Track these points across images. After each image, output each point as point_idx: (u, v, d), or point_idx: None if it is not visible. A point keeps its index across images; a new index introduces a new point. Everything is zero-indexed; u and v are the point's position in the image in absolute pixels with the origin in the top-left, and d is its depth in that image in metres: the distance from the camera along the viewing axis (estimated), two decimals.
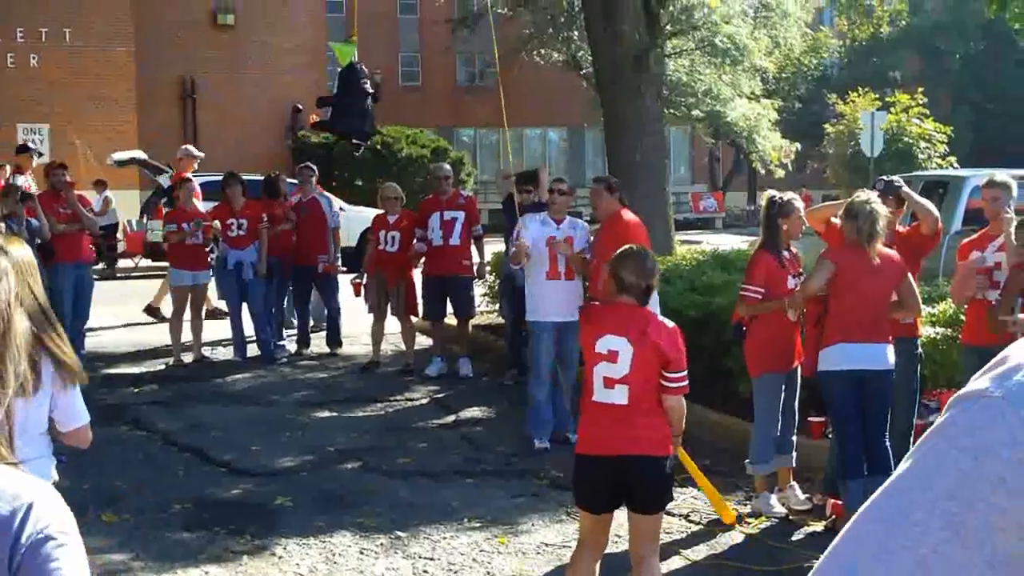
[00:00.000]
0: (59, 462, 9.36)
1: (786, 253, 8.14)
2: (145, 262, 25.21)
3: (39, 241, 12.38)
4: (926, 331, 8.90)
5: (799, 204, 8.31)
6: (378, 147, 33.07)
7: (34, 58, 30.82)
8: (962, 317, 8.80)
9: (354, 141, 16.81)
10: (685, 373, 5.88)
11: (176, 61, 34.91)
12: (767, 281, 7.96)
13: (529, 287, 10.31)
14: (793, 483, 8.31)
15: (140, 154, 27.51)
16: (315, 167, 15.07)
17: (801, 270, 8.14)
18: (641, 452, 5.66)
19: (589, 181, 12.21)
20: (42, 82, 30.90)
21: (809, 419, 8.83)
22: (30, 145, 17.21)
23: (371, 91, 15.83)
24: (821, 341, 7.53)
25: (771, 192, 8.52)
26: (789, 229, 8.15)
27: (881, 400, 7.43)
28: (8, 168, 23.75)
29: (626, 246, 6.24)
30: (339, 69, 16.55)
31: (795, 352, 8.12)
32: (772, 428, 8.14)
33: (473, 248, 13.26)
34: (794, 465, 8.33)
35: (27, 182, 19.45)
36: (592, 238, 10.21)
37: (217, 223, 13.89)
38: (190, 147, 17.74)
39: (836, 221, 7.93)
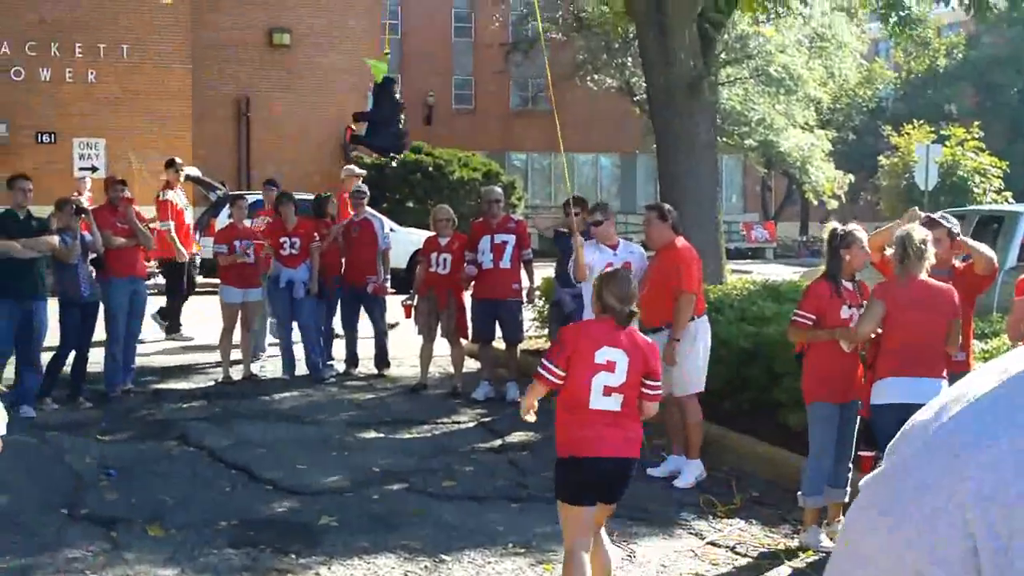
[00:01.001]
0: (108, 476, 9.48)
1: (848, 284, 8.05)
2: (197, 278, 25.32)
3: (93, 255, 12.50)
4: (978, 367, 8.80)
5: (861, 235, 8.20)
6: (430, 169, 33.20)
7: (91, 74, 31.15)
8: None
9: (389, 154, 16.96)
10: (661, 382, 6.48)
11: (231, 79, 35.21)
12: (818, 309, 7.89)
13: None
14: (843, 517, 8.21)
15: (194, 171, 27.77)
16: (367, 188, 15.11)
17: (863, 302, 8.04)
18: (632, 455, 6.31)
19: (641, 208, 12.22)
20: (99, 98, 31.24)
21: (860, 453, 8.74)
22: (175, 161, 17.15)
23: (401, 102, 15.95)
24: (875, 374, 7.48)
25: (834, 223, 8.47)
26: (852, 260, 8.04)
27: None
28: (88, 182, 24.06)
29: (612, 269, 7.18)
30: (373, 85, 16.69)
31: (854, 384, 7.98)
32: (824, 459, 8.03)
33: (523, 272, 13.27)
34: (846, 500, 8.23)
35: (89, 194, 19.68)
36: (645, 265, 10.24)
37: (267, 242, 14.00)
38: (353, 166, 17.88)
39: (889, 251, 7.89)
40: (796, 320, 8.01)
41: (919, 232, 7.50)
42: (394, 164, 17.10)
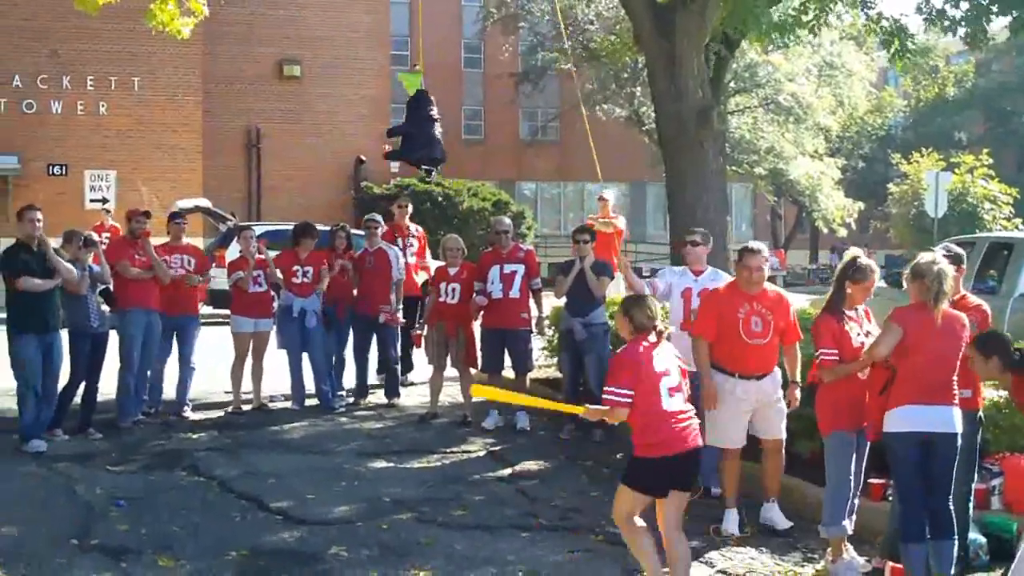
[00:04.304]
0: (118, 506, 9.49)
1: (850, 312, 8.03)
2: (207, 309, 25.37)
3: (102, 286, 12.52)
4: (989, 394, 8.78)
5: (875, 275, 8.15)
6: (440, 199, 33.27)
7: (103, 106, 31.36)
8: None
9: (424, 167, 16.96)
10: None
11: (242, 111, 35.38)
12: (837, 342, 7.85)
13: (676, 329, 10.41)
14: (848, 545, 8.17)
15: (204, 202, 27.93)
16: (381, 219, 15.09)
17: (868, 330, 8.02)
18: (701, 443, 7.32)
19: (650, 236, 12.24)
20: (110, 130, 31.45)
21: (869, 480, 8.71)
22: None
23: (436, 117, 15.98)
24: (888, 402, 7.44)
25: (856, 251, 8.34)
26: (853, 294, 8.02)
27: (947, 463, 7.32)
28: (109, 215, 24.15)
29: (631, 294, 8.18)
30: (407, 99, 16.72)
31: (864, 411, 7.95)
32: (845, 488, 7.98)
33: (532, 301, 13.28)
34: (850, 531, 8.18)
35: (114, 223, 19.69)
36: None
37: (271, 258, 14.06)
38: (606, 191, 18.02)
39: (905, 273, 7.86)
40: (825, 360, 7.88)
41: (950, 269, 7.49)
42: (430, 178, 17.10)
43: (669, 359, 7.22)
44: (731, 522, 8.99)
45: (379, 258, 14.50)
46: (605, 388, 7.12)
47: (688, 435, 7.10)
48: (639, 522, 7.17)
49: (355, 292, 14.49)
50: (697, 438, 7.18)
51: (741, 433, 9.14)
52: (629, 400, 6.99)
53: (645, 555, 7.17)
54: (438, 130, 16.07)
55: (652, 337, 7.22)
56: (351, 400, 14.49)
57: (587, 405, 7.86)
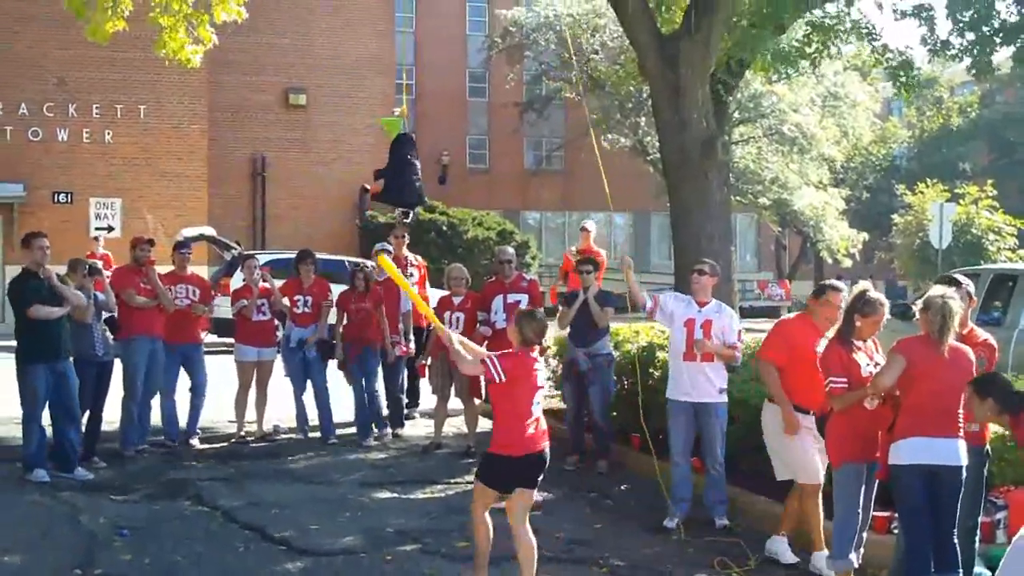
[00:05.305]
0: (121, 535, 9.47)
1: (859, 342, 8.01)
2: (211, 338, 25.37)
3: (106, 314, 12.53)
4: (994, 427, 8.76)
5: (884, 309, 8.10)
6: (444, 228, 33.30)
7: (108, 134, 31.43)
8: None
9: (400, 211, 16.95)
10: None
11: (247, 139, 35.48)
12: (845, 370, 7.82)
13: (670, 362, 10.41)
14: None
15: (209, 230, 27.99)
16: (392, 248, 14.96)
17: (877, 361, 7.99)
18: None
19: (654, 267, 12.23)
20: (116, 158, 31.52)
21: (874, 513, 8.68)
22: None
23: (415, 161, 15.93)
24: (893, 435, 7.42)
25: (865, 285, 8.30)
26: (862, 328, 8.00)
27: (953, 496, 7.30)
28: (101, 241, 24.28)
29: (530, 308, 8.89)
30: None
31: (875, 443, 7.89)
32: (853, 520, 7.95)
33: None
34: (856, 565, 8.15)
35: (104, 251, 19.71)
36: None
37: (276, 287, 14.02)
38: (588, 222, 18.08)
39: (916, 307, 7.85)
40: (833, 388, 7.85)
41: (958, 305, 7.48)
42: (406, 221, 17.03)
43: (543, 375, 8.23)
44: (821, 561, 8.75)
45: (389, 288, 14.39)
46: (488, 358, 7.93)
47: (539, 440, 8.02)
48: (487, 518, 8.18)
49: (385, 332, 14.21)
50: (545, 442, 8.10)
51: (821, 466, 8.90)
52: (498, 377, 7.77)
53: (477, 545, 8.23)
54: (417, 173, 16.02)
55: (535, 353, 8.07)
56: (390, 433, 14.40)
57: (449, 332, 8.46)
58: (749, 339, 14.85)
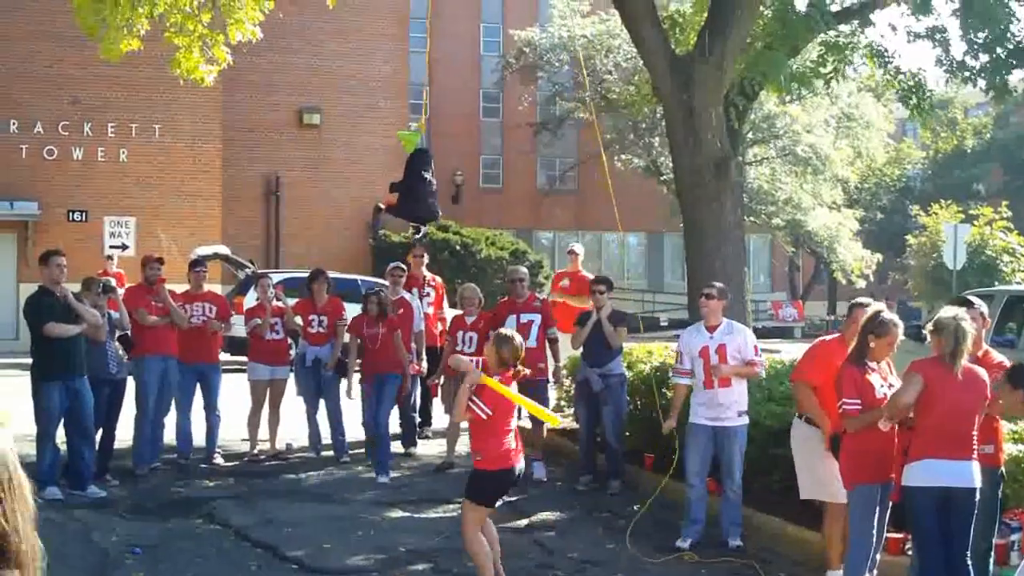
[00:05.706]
0: (134, 553, 9.47)
1: (872, 363, 7.98)
2: (225, 356, 25.37)
3: (120, 333, 12.56)
4: (1009, 448, 8.73)
5: (898, 330, 8.05)
6: (458, 248, 33.34)
7: (123, 153, 31.51)
8: None
9: (413, 225, 17.00)
10: None
11: (262, 159, 35.52)
12: (860, 392, 7.80)
13: (693, 388, 10.42)
14: None
15: (223, 249, 28.01)
16: (405, 268, 14.91)
17: (891, 382, 7.96)
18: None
19: (668, 287, 12.22)
20: (130, 176, 31.60)
21: (887, 534, 8.65)
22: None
23: (429, 177, 15.96)
24: (907, 457, 7.40)
25: (879, 306, 8.27)
26: (876, 349, 7.96)
27: (966, 518, 7.27)
28: (115, 259, 24.36)
29: (506, 332, 8.67)
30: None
31: (890, 464, 7.86)
32: (867, 542, 7.92)
33: (548, 351, 13.26)
34: None
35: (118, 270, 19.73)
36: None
37: (289, 306, 14.04)
38: (576, 245, 18.06)
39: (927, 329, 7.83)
40: (847, 410, 7.83)
41: (971, 326, 7.46)
42: (419, 236, 17.07)
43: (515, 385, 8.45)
44: None
45: (404, 307, 14.31)
46: (470, 400, 8.18)
47: (520, 452, 8.53)
48: (481, 538, 8.45)
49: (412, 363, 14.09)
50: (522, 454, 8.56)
51: None
52: (485, 415, 8.16)
53: (481, 567, 8.45)
54: (432, 189, 16.06)
55: (510, 373, 8.38)
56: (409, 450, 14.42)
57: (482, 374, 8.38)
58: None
